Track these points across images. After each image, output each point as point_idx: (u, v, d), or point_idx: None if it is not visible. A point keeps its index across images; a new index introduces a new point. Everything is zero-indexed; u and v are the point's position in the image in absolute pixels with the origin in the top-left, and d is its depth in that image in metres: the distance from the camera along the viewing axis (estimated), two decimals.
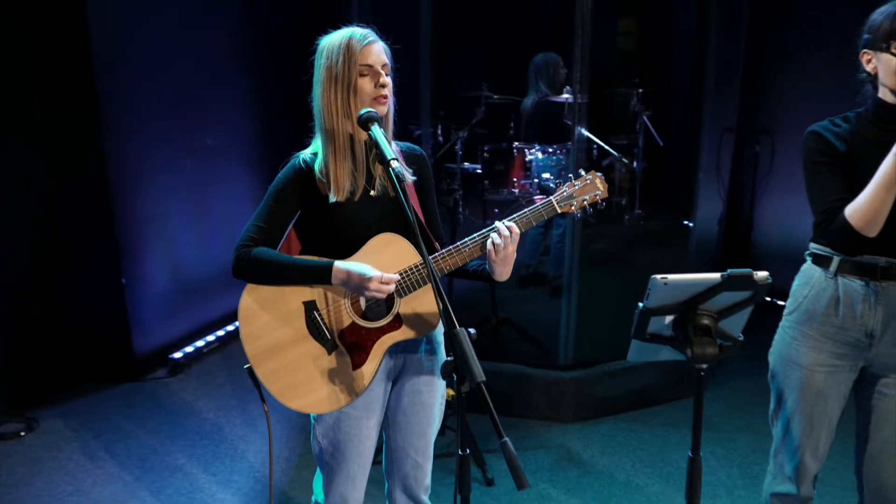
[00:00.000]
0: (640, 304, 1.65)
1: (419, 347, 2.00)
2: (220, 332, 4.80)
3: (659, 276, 1.57)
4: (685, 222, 4.97)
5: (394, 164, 1.64)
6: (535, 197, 4.75)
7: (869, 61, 1.91)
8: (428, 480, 2.10)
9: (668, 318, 1.68)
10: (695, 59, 4.96)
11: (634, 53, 6.49)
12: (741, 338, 1.72)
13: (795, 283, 2.11)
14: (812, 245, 2.06)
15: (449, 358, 1.55)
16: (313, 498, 2.12)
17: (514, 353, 4.02)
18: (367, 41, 1.82)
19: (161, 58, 4.17)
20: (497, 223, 1.82)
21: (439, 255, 1.86)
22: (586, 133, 3.90)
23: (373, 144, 1.74)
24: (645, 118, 5.17)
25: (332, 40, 1.84)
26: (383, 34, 1.92)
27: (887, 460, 2.02)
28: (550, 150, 4.71)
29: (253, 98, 4.96)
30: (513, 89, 4.92)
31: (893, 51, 1.83)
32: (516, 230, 1.82)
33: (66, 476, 3.22)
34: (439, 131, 4.69)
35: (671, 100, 5.88)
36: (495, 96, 4.81)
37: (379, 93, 1.83)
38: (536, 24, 5.81)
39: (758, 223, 5.39)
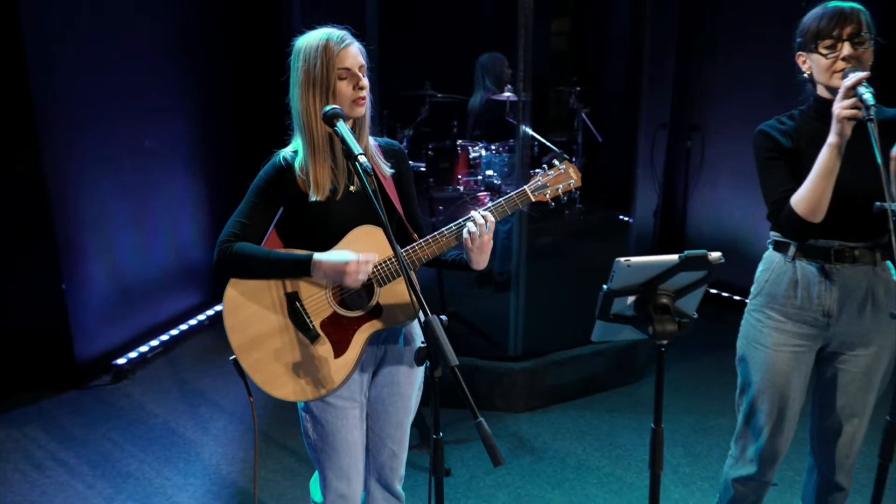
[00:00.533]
0: (605, 287, 1.74)
1: (399, 338, 2.04)
2: (164, 337, 4.70)
3: (622, 259, 1.67)
4: (622, 217, 5.12)
5: (361, 158, 1.66)
6: (480, 194, 4.84)
7: (804, 62, 2.05)
8: (402, 470, 2.15)
9: (630, 299, 1.77)
10: (629, 57, 5.12)
11: (570, 53, 6.64)
12: (696, 315, 1.84)
13: (759, 269, 2.24)
14: (771, 233, 2.19)
15: (422, 344, 1.61)
16: (311, 498, 2.14)
17: (465, 347, 4.09)
18: (344, 44, 1.83)
19: (97, 57, 4.07)
20: (473, 212, 1.87)
21: (416, 245, 1.90)
22: (530, 131, 4.00)
23: (340, 140, 1.77)
24: (584, 115, 5.30)
25: (309, 42, 1.84)
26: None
27: (840, 427, 2.18)
28: (493, 147, 4.80)
29: (191, 99, 4.87)
30: (455, 88, 4.99)
31: (821, 50, 1.96)
32: (491, 219, 1.87)
33: (12, 487, 3.11)
34: (384, 130, 4.72)
35: (608, 98, 6.04)
36: (439, 95, 4.86)
37: (357, 95, 1.85)
38: (477, 24, 5.89)
39: (690, 216, 5.60)
